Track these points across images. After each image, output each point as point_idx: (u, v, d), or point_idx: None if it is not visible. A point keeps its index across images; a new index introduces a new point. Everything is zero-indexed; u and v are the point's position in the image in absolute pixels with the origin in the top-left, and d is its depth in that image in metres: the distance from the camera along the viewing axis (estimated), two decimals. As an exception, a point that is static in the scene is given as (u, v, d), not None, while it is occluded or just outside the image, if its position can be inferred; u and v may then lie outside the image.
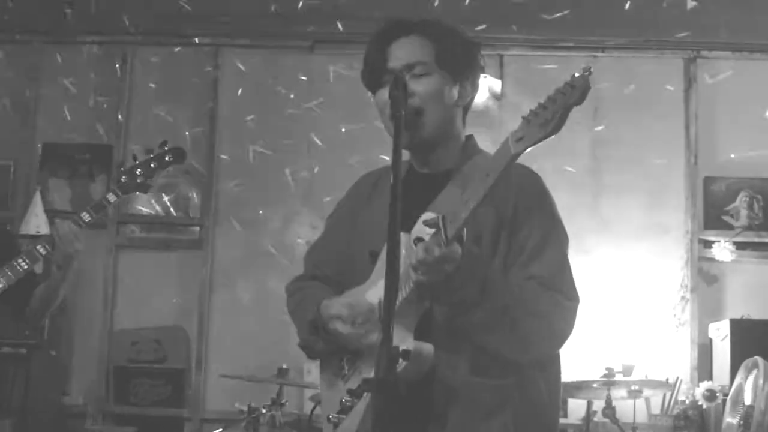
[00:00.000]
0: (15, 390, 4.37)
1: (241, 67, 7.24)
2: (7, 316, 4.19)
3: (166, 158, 4.34)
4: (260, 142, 7.13)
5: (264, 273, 6.88)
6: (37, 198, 6.67)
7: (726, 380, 6.08)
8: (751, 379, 5.64)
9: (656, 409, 6.52)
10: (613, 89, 6.99)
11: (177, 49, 7.30)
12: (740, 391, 5.70)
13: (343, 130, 7.00)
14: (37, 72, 7.28)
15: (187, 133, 7.14)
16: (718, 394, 6.11)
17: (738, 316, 6.47)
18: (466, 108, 2.82)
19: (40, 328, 4.64)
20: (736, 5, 6.56)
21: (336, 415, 2.66)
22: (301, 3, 6.68)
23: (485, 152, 2.78)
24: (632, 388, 5.79)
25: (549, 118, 2.09)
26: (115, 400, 6.89)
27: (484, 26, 6.88)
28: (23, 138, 7.20)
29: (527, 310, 2.49)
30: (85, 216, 4.14)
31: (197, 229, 7.12)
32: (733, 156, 6.98)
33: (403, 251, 2.48)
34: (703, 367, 6.63)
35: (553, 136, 2.12)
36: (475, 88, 2.82)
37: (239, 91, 7.21)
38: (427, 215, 2.41)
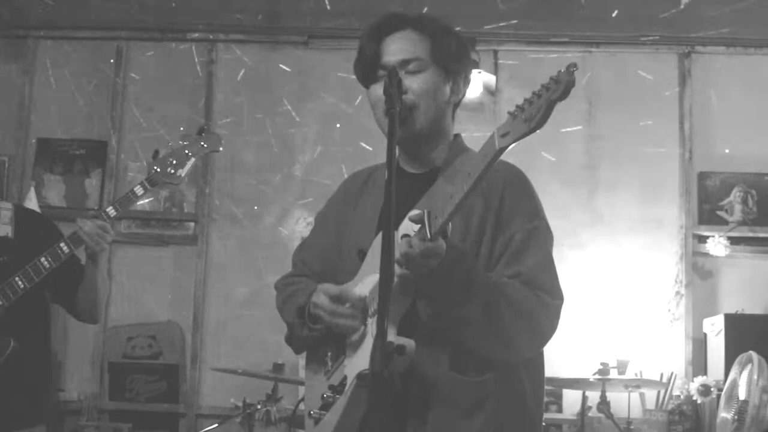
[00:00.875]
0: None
1: (236, 62, 7.23)
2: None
3: (201, 144, 4.05)
4: (255, 137, 7.13)
5: (259, 269, 6.88)
6: (32, 194, 6.66)
7: (720, 375, 6.09)
8: (745, 373, 5.65)
9: (651, 404, 6.54)
10: (608, 84, 7.00)
11: (172, 44, 7.29)
12: (735, 385, 5.71)
13: (338, 125, 7.00)
14: (32, 67, 7.27)
15: (181, 128, 7.12)
16: (712, 389, 6.13)
17: (732, 311, 6.48)
18: (457, 104, 2.82)
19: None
20: (730, 0, 6.57)
21: (317, 411, 2.67)
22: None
23: (472, 150, 2.77)
24: (626, 385, 5.81)
25: (534, 114, 2.08)
26: (110, 396, 6.89)
27: (479, 21, 6.90)
28: (18, 133, 7.19)
29: (510, 308, 2.48)
30: (111, 210, 3.95)
31: (192, 224, 7.11)
32: (727, 151, 6.98)
33: None
34: (698, 362, 6.64)
35: (538, 131, 2.10)
36: (467, 84, 2.81)
37: (234, 86, 7.21)
38: (413, 211, 2.40)
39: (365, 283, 2.57)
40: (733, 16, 6.73)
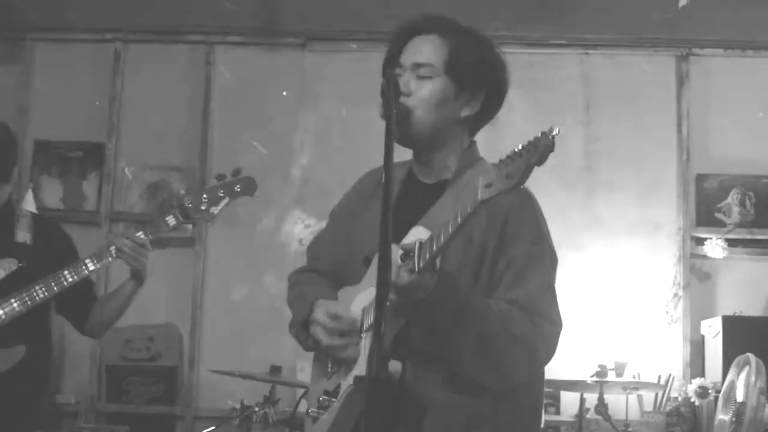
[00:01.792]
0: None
1: (234, 64, 7.23)
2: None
3: (236, 188, 4.17)
4: (253, 140, 7.12)
5: (256, 271, 6.88)
6: (29, 196, 6.66)
7: (718, 377, 6.09)
8: (743, 375, 5.65)
9: (649, 406, 6.54)
10: (606, 87, 7.00)
11: (169, 46, 7.28)
12: (732, 387, 5.71)
13: (337, 128, 7.00)
14: (29, 69, 7.27)
15: (179, 130, 7.13)
16: (710, 391, 6.13)
17: (730, 313, 6.49)
18: (478, 122, 2.79)
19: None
20: (728, 3, 6.58)
21: (315, 410, 2.69)
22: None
23: (484, 160, 2.76)
24: (624, 387, 5.81)
25: (513, 171, 2.08)
26: (108, 399, 6.88)
27: (475, 23, 6.89)
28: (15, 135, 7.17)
29: (507, 335, 2.46)
30: (141, 235, 3.95)
31: (190, 227, 7.10)
32: (725, 153, 6.99)
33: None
34: (696, 364, 6.64)
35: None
36: (491, 103, 2.81)
37: (232, 89, 7.20)
38: (404, 243, 2.39)
39: (368, 293, 2.55)
40: (730, 18, 6.74)
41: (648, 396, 6.53)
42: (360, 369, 2.48)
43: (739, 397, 5.58)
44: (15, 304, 3.84)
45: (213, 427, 5.93)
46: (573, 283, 6.34)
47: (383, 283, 2.17)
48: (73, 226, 6.77)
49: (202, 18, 7.12)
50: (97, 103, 7.21)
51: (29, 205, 6.56)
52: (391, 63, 2.72)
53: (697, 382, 6.22)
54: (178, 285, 7.01)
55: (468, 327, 2.42)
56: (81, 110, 7.23)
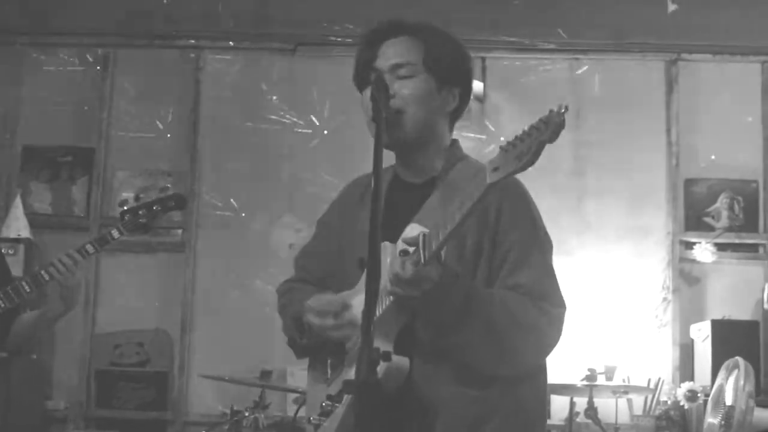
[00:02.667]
0: None
1: (223, 69, 7.22)
2: None
3: (169, 204, 4.41)
4: (242, 144, 7.12)
5: (247, 276, 6.87)
6: (18, 201, 6.65)
7: (707, 381, 6.11)
8: (732, 379, 5.66)
9: (638, 410, 6.55)
10: (595, 92, 7.02)
11: (159, 51, 7.27)
12: (721, 391, 5.72)
13: (326, 132, 7.00)
14: (18, 73, 7.25)
15: (168, 135, 7.13)
16: (699, 395, 6.14)
17: (719, 317, 6.50)
18: (454, 116, 2.80)
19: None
20: (717, 8, 6.60)
21: (317, 418, 2.67)
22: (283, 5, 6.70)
23: (470, 158, 2.78)
24: (614, 391, 5.82)
25: (524, 151, 2.09)
26: (98, 404, 6.86)
27: (466, 28, 6.90)
28: (3, 140, 7.16)
29: (513, 322, 2.48)
30: (89, 248, 4.26)
31: (179, 231, 7.10)
32: (713, 158, 7.00)
33: (388, 260, 2.50)
34: (685, 368, 6.66)
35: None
36: (464, 97, 2.80)
37: (221, 93, 7.20)
38: (407, 236, 2.40)
39: (358, 301, 2.55)
40: (719, 23, 6.76)
41: (638, 400, 6.54)
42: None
43: (728, 400, 5.59)
44: None
45: (203, 432, 5.93)
46: (563, 288, 6.34)
47: (372, 286, 2.18)
48: (63, 231, 6.88)
49: (191, 23, 7.11)
50: (86, 108, 7.19)
51: (17, 210, 6.56)
52: (363, 72, 2.73)
53: (687, 385, 6.23)
54: (169, 290, 7.00)
55: (474, 317, 2.43)
56: (70, 115, 7.21)
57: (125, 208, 4.40)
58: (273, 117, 7.12)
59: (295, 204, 6.95)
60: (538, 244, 2.65)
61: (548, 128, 2.05)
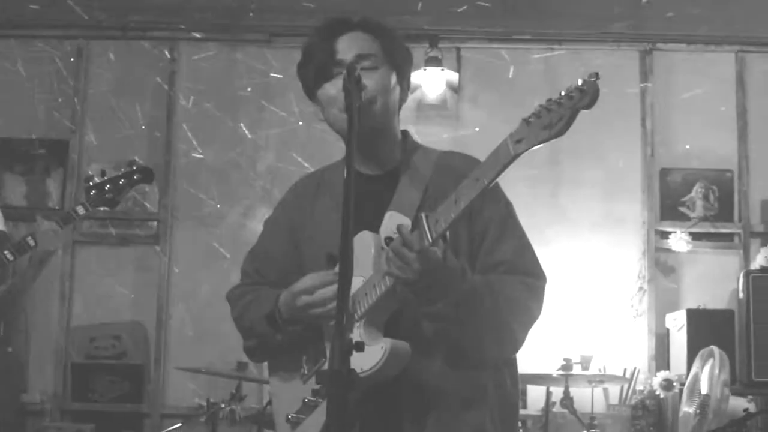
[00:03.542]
0: None
1: (198, 60, 7.20)
2: None
3: (135, 177, 4.41)
4: (218, 135, 7.10)
5: (222, 268, 6.84)
6: (-8, 193, 6.62)
7: (683, 370, 6.14)
8: (707, 368, 5.70)
9: (614, 399, 6.57)
10: (570, 82, 7.00)
11: (132, 42, 7.24)
12: (696, 380, 5.76)
13: (301, 123, 6.98)
14: (-8, 66, 7.22)
15: (143, 126, 7.10)
16: (675, 384, 6.17)
17: (694, 306, 6.53)
18: (400, 108, 2.80)
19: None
20: (690, -2, 6.63)
21: (295, 415, 2.65)
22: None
23: (424, 147, 2.80)
24: (590, 381, 5.84)
25: (555, 121, 2.12)
26: (74, 397, 6.84)
27: (442, 18, 6.92)
28: (-23, 133, 7.14)
29: (503, 302, 2.51)
30: (54, 225, 4.26)
31: (155, 223, 7.08)
32: (688, 147, 7.03)
33: (372, 251, 2.50)
34: (661, 357, 6.69)
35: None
36: (410, 88, 2.83)
37: (196, 85, 7.17)
38: (397, 213, 2.42)
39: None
40: (693, 13, 6.78)
41: (614, 389, 6.57)
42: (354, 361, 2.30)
43: (704, 389, 5.63)
44: None
45: (180, 424, 5.92)
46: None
47: (345, 277, 2.17)
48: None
49: (166, 14, 7.09)
50: (60, 100, 7.16)
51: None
52: (322, 67, 2.72)
53: (662, 375, 6.26)
54: (144, 282, 6.99)
55: (467, 298, 2.44)
56: (44, 107, 7.17)
57: (90, 183, 4.36)
58: (248, 108, 7.11)
59: (272, 195, 6.93)
60: (512, 219, 2.69)
61: (586, 95, 2.12)
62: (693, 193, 6.97)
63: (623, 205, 6.94)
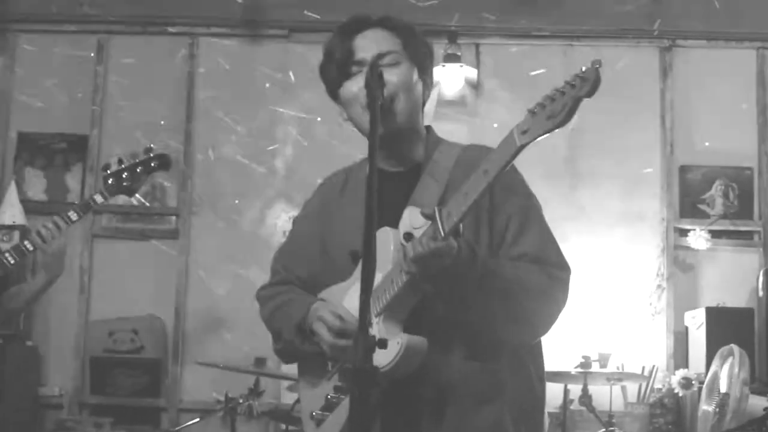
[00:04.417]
0: None
1: (217, 55, 7.20)
2: None
3: (152, 164, 4.38)
4: (237, 131, 7.11)
5: (241, 263, 6.86)
6: (13, 188, 6.63)
7: (702, 368, 6.12)
8: (726, 366, 5.68)
9: (633, 397, 6.56)
10: (589, 78, 7.00)
11: (153, 37, 7.25)
12: (716, 378, 5.74)
13: (319, 119, 6.98)
14: (12, 61, 7.23)
15: (162, 122, 7.11)
16: (693, 382, 6.15)
17: (713, 305, 6.51)
18: (424, 104, 2.80)
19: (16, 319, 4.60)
20: (710, -6, 6.61)
21: (320, 412, 2.65)
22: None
23: (447, 141, 2.80)
24: (608, 378, 5.83)
25: (558, 110, 2.10)
26: (92, 391, 6.86)
27: (460, 15, 6.91)
28: (-2, 127, 7.16)
29: (526, 291, 2.53)
30: (72, 215, 4.17)
31: (174, 218, 7.09)
32: (708, 144, 7.00)
33: (391, 247, 2.51)
34: (679, 355, 6.67)
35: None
36: (433, 84, 2.83)
37: (215, 80, 7.18)
38: (415, 216, 2.40)
39: (353, 293, 2.53)
40: (714, 9, 6.76)
41: (632, 387, 6.55)
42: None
43: (723, 388, 5.61)
44: None
45: (197, 419, 5.93)
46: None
47: (369, 272, 2.17)
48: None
49: (185, 9, 7.10)
50: (80, 94, 7.17)
51: (12, 197, 6.54)
52: (342, 66, 2.72)
53: (681, 373, 6.24)
54: (162, 277, 7.00)
55: (491, 289, 2.46)
56: (64, 102, 7.19)
57: (108, 172, 4.34)
58: (267, 103, 7.11)
59: (289, 191, 6.94)
60: (535, 211, 2.70)
61: (586, 83, 2.09)
62: (713, 191, 6.94)
63: (642, 201, 6.92)
